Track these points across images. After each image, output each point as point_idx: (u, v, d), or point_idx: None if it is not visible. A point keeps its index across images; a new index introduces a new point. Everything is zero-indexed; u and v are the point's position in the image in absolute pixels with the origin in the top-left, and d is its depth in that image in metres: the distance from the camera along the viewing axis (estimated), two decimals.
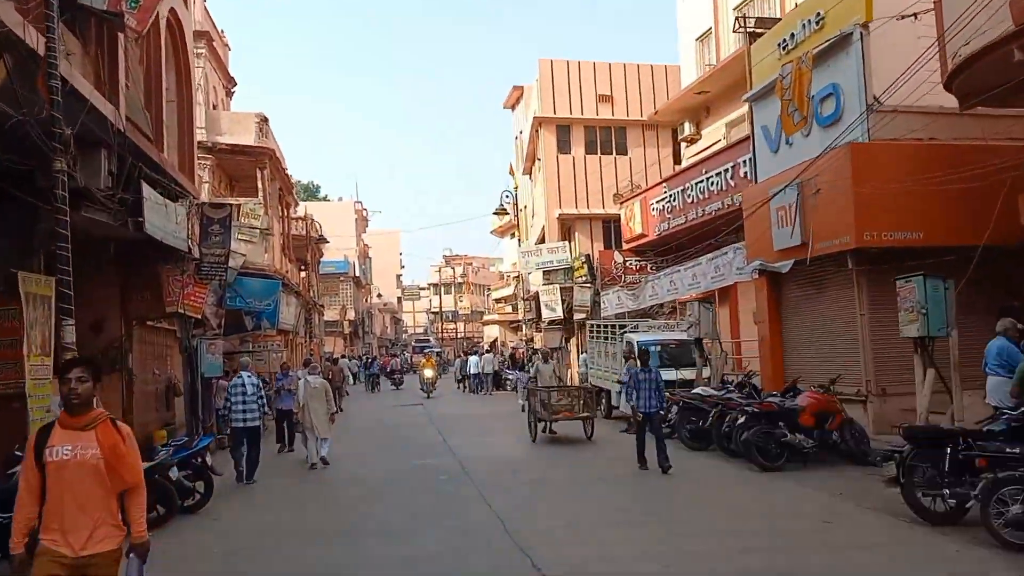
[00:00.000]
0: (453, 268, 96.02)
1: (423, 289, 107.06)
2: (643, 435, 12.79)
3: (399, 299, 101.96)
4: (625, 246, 27.54)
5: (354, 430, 20.29)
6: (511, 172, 51.87)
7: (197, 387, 16.43)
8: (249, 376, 14.32)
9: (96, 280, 16.00)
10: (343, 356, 46.38)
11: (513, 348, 43.89)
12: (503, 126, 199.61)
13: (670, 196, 24.00)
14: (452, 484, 12.24)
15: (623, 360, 18.47)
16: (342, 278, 63.76)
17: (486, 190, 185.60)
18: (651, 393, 12.75)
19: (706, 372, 17.24)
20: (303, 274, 49.14)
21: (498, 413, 24.33)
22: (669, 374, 17.42)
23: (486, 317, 58.03)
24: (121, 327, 16.05)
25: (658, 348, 18.44)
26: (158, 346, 18.09)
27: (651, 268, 27.20)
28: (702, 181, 21.95)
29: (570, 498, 11.11)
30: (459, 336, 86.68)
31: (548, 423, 16.89)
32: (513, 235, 59.14)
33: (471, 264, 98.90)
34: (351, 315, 63.93)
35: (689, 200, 22.76)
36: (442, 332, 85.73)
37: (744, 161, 19.76)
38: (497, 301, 62.61)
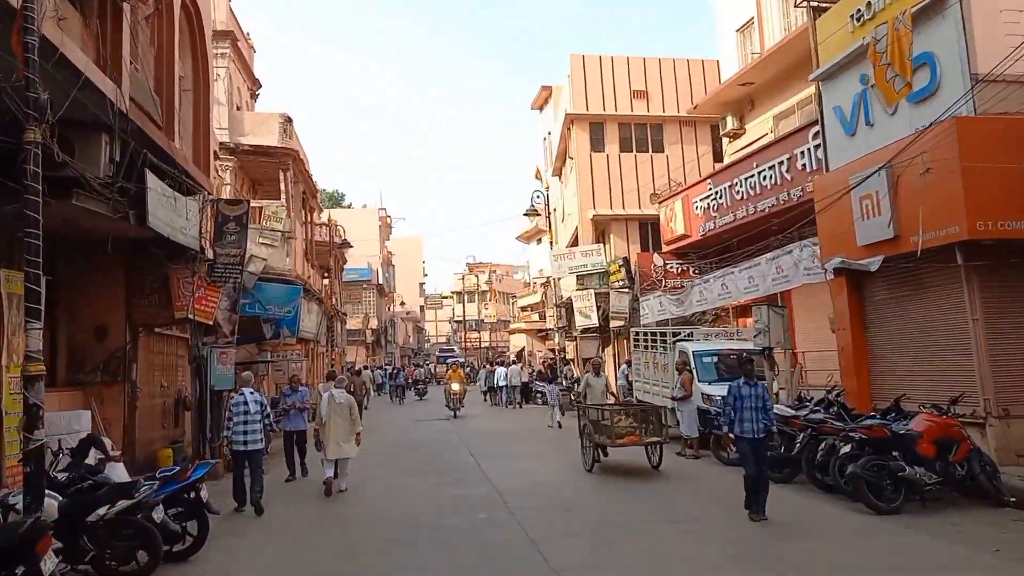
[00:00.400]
0: (477, 276, 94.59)
1: (446, 298, 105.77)
2: (752, 468, 9.95)
3: (422, 308, 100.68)
4: (665, 248, 25.98)
5: (378, 449, 18.78)
6: (537, 176, 50.45)
7: (206, 401, 15.01)
8: (252, 393, 12.88)
9: (99, 281, 14.75)
10: (365, 367, 45.06)
11: (542, 358, 42.35)
12: (529, 130, 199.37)
13: (716, 193, 22.44)
14: (496, 528, 10.10)
15: (675, 373, 16.91)
16: (365, 285, 62.56)
17: (511, 196, 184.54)
18: (757, 413, 10.07)
19: (775, 386, 15.49)
20: (326, 281, 47.99)
21: (532, 430, 22.81)
22: (726, 388, 15.89)
23: (512, 326, 56.53)
24: (125, 334, 14.77)
25: (714, 359, 16.84)
26: (167, 355, 16.77)
27: (693, 272, 25.66)
28: (752, 176, 20.38)
29: (644, 551, 8.75)
30: (483, 346, 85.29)
31: (605, 449, 14.46)
32: (540, 240, 57.76)
33: (495, 272, 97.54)
34: (374, 324, 62.70)
35: (738, 197, 21.19)
36: (465, 341, 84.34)
37: (802, 152, 18.18)
38: (523, 309, 61.21)
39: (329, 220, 33.06)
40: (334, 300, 44.83)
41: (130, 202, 11.29)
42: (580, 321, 28.11)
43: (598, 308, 28.00)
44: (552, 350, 47.22)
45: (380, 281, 65.80)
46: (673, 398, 16.39)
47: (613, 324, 27.18)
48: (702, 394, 15.95)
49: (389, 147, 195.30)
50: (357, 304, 60.82)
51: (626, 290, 26.63)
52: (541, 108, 40.48)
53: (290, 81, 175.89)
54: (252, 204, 27.92)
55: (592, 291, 28.06)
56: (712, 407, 15.24)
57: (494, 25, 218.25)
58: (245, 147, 27.07)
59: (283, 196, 27.53)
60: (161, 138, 12.41)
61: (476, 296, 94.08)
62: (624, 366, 25.59)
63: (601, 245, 28.40)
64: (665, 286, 25.21)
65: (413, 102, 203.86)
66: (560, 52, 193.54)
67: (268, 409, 13.16)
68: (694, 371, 16.35)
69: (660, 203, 26.19)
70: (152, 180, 11.61)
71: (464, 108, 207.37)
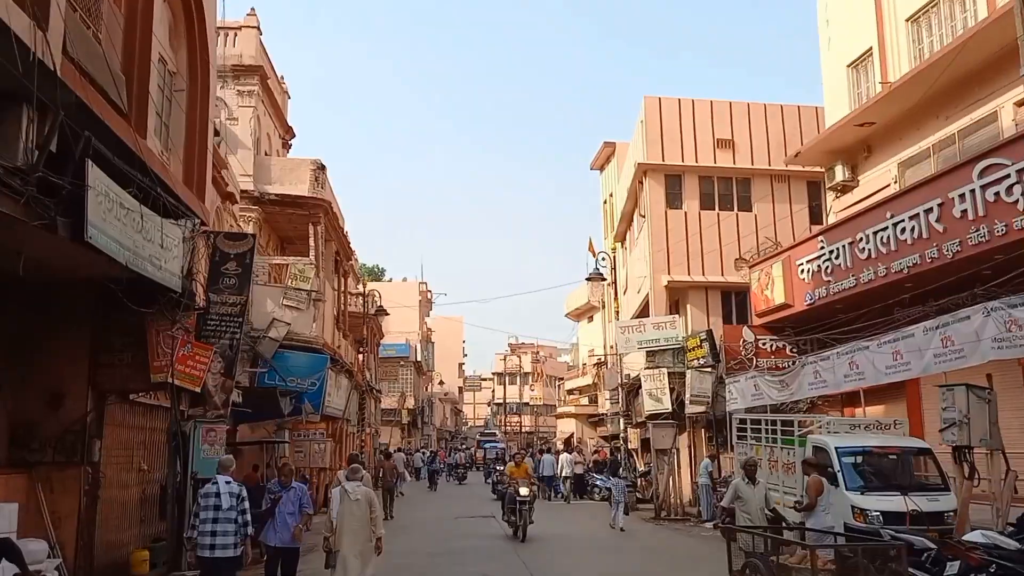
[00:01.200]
0: (519, 357, 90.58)
1: (485, 380, 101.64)
2: None
3: (460, 389, 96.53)
4: (757, 321, 21.88)
5: (409, 559, 14.63)
6: (591, 249, 46.84)
7: (186, 491, 11.08)
8: (228, 483, 9.08)
9: (58, 335, 11.22)
10: (399, 449, 40.98)
11: (595, 447, 37.87)
12: (583, 199, 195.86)
13: (830, 253, 18.45)
14: None
15: (803, 475, 12.62)
16: (402, 363, 58.86)
17: (562, 268, 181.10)
18: None
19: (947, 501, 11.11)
20: (360, 356, 44.36)
21: (596, 535, 18.53)
22: (888, 501, 11.57)
23: (560, 409, 52.14)
24: (87, 401, 11.11)
25: (858, 459, 12.57)
26: (150, 431, 12.99)
27: (791, 350, 21.49)
28: (885, 229, 16.39)
29: None
30: (523, 430, 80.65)
31: None
32: (592, 318, 53.88)
33: (538, 353, 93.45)
34: (411, 403, 58.71)
35: (863, 255, 17.18)
36: (505, 425, 79.81)
37: (962, 195, 14.19)
38: (570, 392, 56.79)
39: (364, 287, 29.52)
40: (367, 375, 41.07)
41: (60, 205, 7.68)
42: (649, 405, 23.91)
43: (671, 390, 23.82)
44: (604, 437, 42.74)
45: (418, 359, 62.06)
46: (797, 506, 12.01)
47: (690, 410, 22.92)
48: (851, 507, 11.66)
49: (432, 220, 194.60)
50: (393, 382, 56.99)
51: (709, 369, 22.46)
52: (602, 168, 37.12)
53: (326, 144, 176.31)
54: (277, 261, 24.57)
55: (664, 370, 23.93)
56: (869, 524, 10.96)
57: (550, 81, 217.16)
58: (271, 196, 23.84)
59: (312, 252, 24.10)
60: (122, 128, 8.87)
61: (518, 378, 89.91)
62: (706, 461, 21.28)
63: (677, 317, 24.39)
64: (756, 365, 21.05)
65: (461, 169, 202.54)
66: (624, 110, 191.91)
67: (246, 504, 9.29)
68: (839, 474, 12.08)
69: (752, 267, 22.21)
70: (98, 178, 7.99)
71: (515, 174, 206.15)
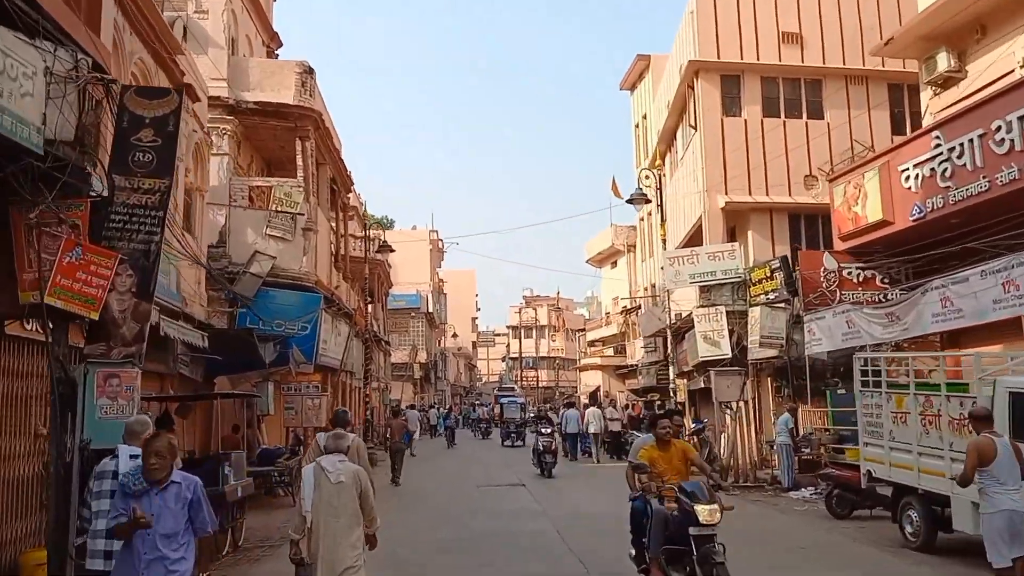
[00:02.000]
0: (535, 309, 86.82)
1: (499, 335, 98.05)
2: None
3: (474, 344, 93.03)
4: (839, 245, 17.92)
5: (420, 548, 10.95)
6: (613, 189, 42.60)
7: (72, 468, 7.25)
8: (135, 457, 5.37)
9: None
10: (411, 405, 37.48)
11: (627, 401, 34.14)
12: (604, 141, 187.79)
13: (950, 151, 14.42)
14: None
15: (968, 431, 8.71)
16: (413, 314, 55.20)
17: (578, 222, 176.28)
18: None
19: None
20: (368, 306, 40.64)
21: None
22: None
23: (584, 361, 48.41)
24: None
25: None
26: (42, 379, 9.15)
27: (881, 280, 17.60)
28: None
29: None
30: (540, 385, 77.18)
31: None
32: (615, 264, 49.90)
33: (554, 305, 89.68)
34: (423, 357, 55.10)
35: (1002, 149, 13.17)
36: (522, 380, 76.30)
37: None
38: (592, 344, 52.88)
39: (367, 228, 25.60)
40: (374, 326, 37.41)
41: None
42: (703, 350, 20.04)
43: (730, 332, 19.97)
44: (635, 391, 38.98)
45: (430, 310, 58.36)
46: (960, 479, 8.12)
47: (757, 355, 19.05)
48: None
49: (442, 171, 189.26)
50: (404, 334, 53.36)
51: (782, 305, 18.54)
52: (633, 87, 32.87)
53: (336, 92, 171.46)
54: (258, 183, 20.73)
55: (722, 309, 20.01)
56: None
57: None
58: (249, 104, 19.88)
59: (300, 172, 20.20)
60: None
61: (534, 331, 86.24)
62: (786, 416, 17.48)
63: (736, 245, 20.39)
64: (840, 299, 17.17)
65: (471, 118, 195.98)
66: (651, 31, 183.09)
67: (193, 493, 5.32)
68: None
69: (833, 180, 18.16)
70: None
71: (529, 119, 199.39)
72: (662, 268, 20.49)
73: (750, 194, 21.11)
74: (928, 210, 15.10)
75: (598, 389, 43.24)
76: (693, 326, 20.60)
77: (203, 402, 15.18)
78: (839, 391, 16.67)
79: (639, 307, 36.77)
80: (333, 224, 26.38)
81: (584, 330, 54.38)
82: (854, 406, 12.90)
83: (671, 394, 24.97)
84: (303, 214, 19.54)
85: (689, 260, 20.47)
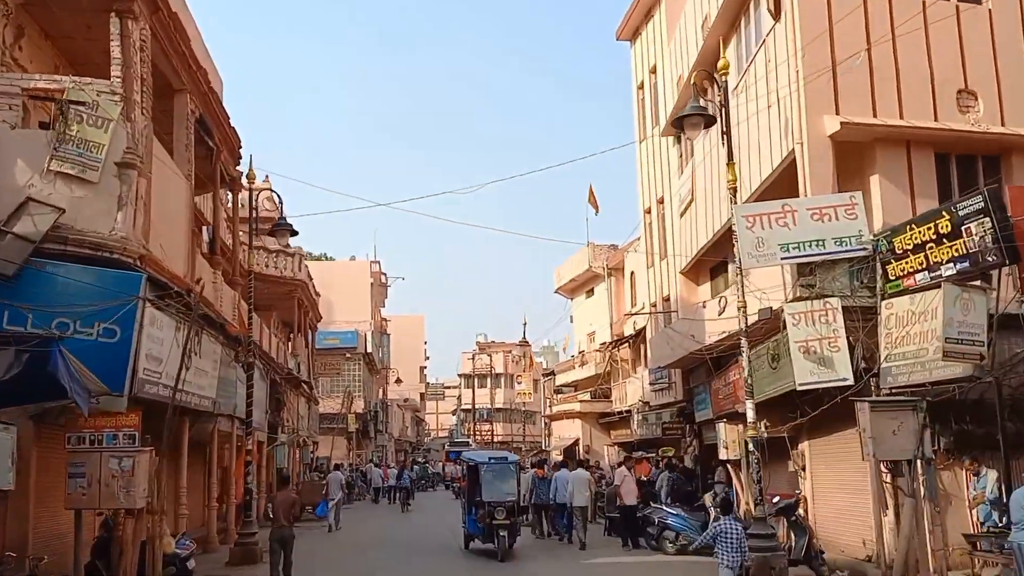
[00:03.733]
0: (490, 356, 78.19)
1: (449, 388, 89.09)
2: None
3: (422, 395, 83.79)
4: None
5: None
6: (591, 201, 34.63)
7: None
8: None
9: None
10: (338, 465, 28.49)
11: (621, 459, 25.57)
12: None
13: None
14: None
15: None
16: (348, 355, 46.22)
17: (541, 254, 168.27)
18: None
19: None
20: (289, 344, 31.69)
21: None
22: None
23: (557, 408, 39.85)
24: None
25: None
26: None
27: None
28: None
29: None
30: (494, 439, 68.11)
31: None
32: (591, 292, 41.72)
33: (510, 352, 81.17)
34: (359, 406, 45.95)
35: None
36: (475, 433, 67.27)
37: None
38: (558, 391, 44.08)
39: (251, 175, 16.85)
40: (292, 364, 28.49)
41: None
42: (804, 369, 11.87)
43: (850, 345, 11.83)
44: (622, 445, 30.49)
45: (369, 349, 49.43)
46: None
47: (918, 376, 10.85)
48: None
49: (384, 212, 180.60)
50: (336, 377, 44.37)
51: (979, 288, 10.42)
52: (635, 35, 25.04)
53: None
54: (40, 84, 12.15)
55: (835, 302, 11.91)
56: None
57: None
58: None
59: (117, 69, 11.65)
60: None
61: (488, 380, 77.40)
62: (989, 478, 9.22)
63: (857, 196, 12.27)
64: None
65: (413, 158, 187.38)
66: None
67: None
68: None
69: None
70: None
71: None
72: (732, 231, 12.20)
73: (875, 114, 13.08)
74: None
75: (576, 443, 34.60)
76: (740, 348, 12.30)
77: None
78: None
79: (636, 335, 28.53)
80: (189, 176, 17.82)
81: (553, 373, 45.75)
82: None
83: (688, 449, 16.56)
84: (128, 147, 11.05)
85: (780, 220, 12.28)
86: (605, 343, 36.52)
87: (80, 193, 11.33)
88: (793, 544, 12.22)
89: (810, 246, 12.23)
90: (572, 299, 43.68)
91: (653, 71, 23.38)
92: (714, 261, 20.00)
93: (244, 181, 17.95)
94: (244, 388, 17.47)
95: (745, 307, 12.22)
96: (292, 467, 28.86)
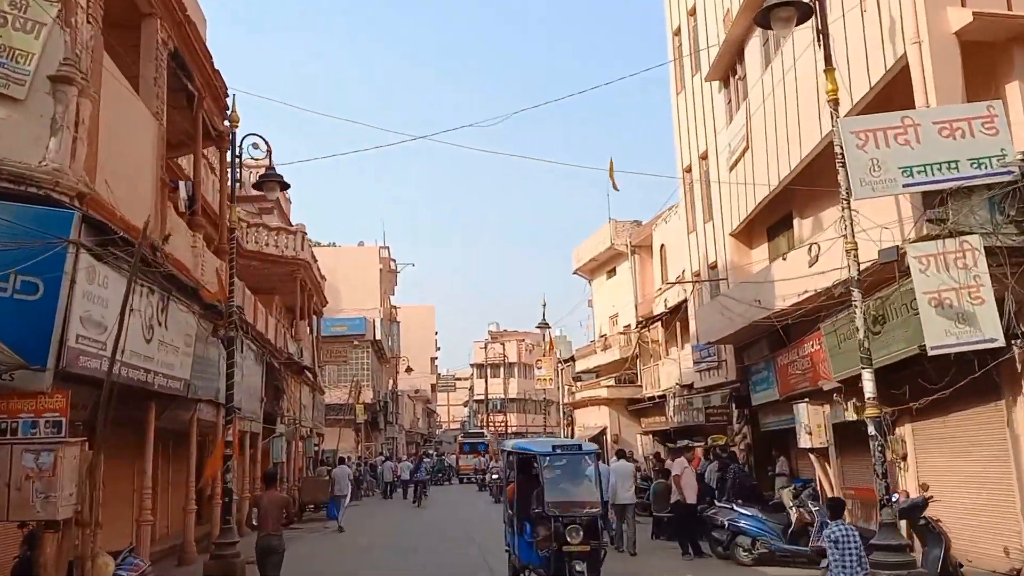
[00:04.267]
0: (503, 345, 75.60)
1: (460, 379, 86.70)
2: None
3: (433, 387, 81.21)
4: None
5: None
6: (611, 177, 31.75)
7: None
8: None
9: None
10: (342, 460, 25.86)
11: (655, 452, 22.81)
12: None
13: None
14: None
15: None
16: (356, 342, 43.57)
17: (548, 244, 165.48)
18: None
19: None
20: (293, 330, 29.04)
21: None
22: None
23: (581, 395, 37.12)
24: None
25: None
26: None
27: None
28: None
29: None
30: (508, 430, 65.45)
31: None
32: (612, 272, 38.95)
33: (523, 341, 78.56)
34: (368, 396, 43.34)
35: None
36: (488, 424, 64.66)
37: None
38: (576, 378, 41.31)
39: (234, 117, 14.12)
40: (294, 348, 25.84)
41: None
42: (937, 329, 9.16)
43: (998, 299, 9.08)
44: (655, 433, 27.76)
45: (378, 337, 46.79)
46: None
47: None
48: None
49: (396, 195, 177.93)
50: (343, 365, 41.76)
51: None
52: None
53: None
54: None
55: (976, 241, 9.19)
56: None
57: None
58: None
59: None
60: None
61: (502, 369, 74.82)
62: None
63: (996, 106, 9.55)
64: None
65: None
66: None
67: None
68: None
69: None
70: None
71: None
72: (838, 152, 9.44)
73: (1010, 7, 10.34)
74: None
75: (603, 432, 31.85)
76: (820, 314, 9.55)
77: None
78: None
79: (671, 312, 25.78)
80: (161, 113, 15.18)
81: (572, 359, 42.97)
82: None
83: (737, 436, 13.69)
84: (70, 57, 8.40)
85: (900, 137, 9.51)
86: (630, 325, 33.83)
87: (2, 113, 8.73)
88: (923, 556, 9.46)
89: (940, 169, 9.45)
90: (592, 280, 40.90)
91: (692, 12, 20.57)
92: (775, 218, 17.24)
93: (226, 124, 15.18)
94: (251, 374, 14.83)
95: (856, 250, 9.48)
96: (294, 461, 26.24)
